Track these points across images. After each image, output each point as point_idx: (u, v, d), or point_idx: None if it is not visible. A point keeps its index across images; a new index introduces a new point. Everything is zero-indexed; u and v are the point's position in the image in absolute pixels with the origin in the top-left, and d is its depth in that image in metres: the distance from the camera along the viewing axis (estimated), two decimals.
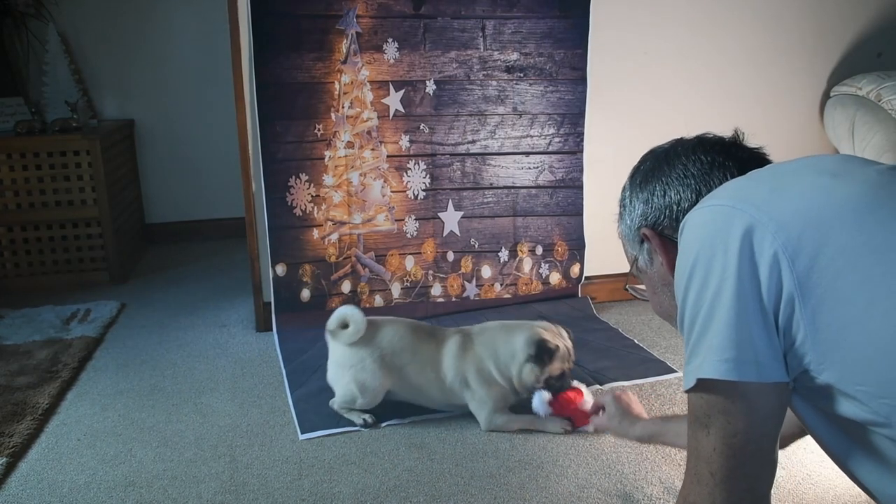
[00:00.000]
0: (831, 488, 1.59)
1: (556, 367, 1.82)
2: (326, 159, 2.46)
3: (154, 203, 3.77)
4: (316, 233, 2.50)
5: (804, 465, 1.67)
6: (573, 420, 1.84)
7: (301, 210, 2.47)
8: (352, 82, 2.43)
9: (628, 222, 1.07)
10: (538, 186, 2.67)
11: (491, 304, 2.67)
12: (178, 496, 1.61)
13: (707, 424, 0.85)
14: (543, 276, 2.72)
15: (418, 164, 2.55)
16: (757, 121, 2.77)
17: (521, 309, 2.66)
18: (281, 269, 2.49)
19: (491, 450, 1.79)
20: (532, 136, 2.62)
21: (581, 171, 2.68)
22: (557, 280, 2.73)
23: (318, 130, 2.44)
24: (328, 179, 2.48)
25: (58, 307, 2.74)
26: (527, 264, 2.70)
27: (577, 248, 2.73)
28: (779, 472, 0.89)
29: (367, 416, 1.90)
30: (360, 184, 2.51)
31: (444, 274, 2.63)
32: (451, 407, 1.93)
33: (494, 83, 2.56)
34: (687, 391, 0.87)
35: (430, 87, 2.50)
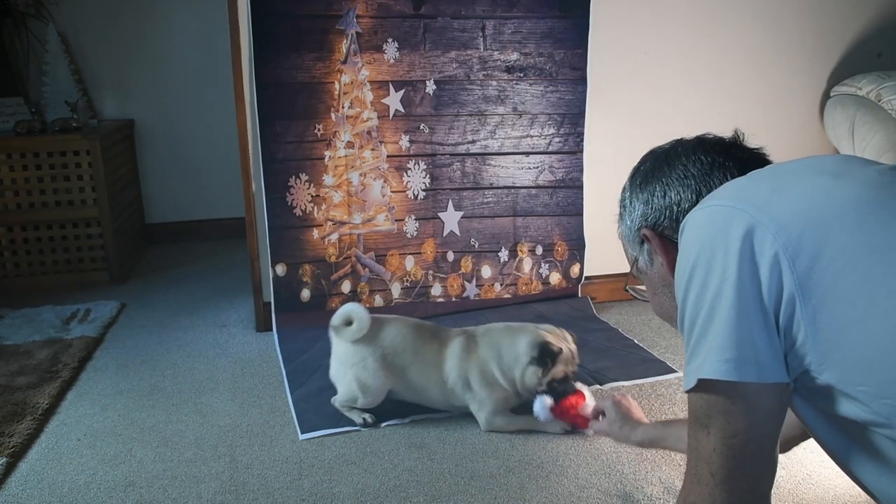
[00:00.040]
0: (831, 488, 1.60)
1: (559, 371, 1.81)
2: (326, 159, 2.46)
3: (154, 203, 3.77)
4: (316, 233, 2.50)
5: (804, 465, 1.67)
6: (575, 424, 1.83)
7: (301, 210, 2.47)
8: (352, 82, 2.43)
9: (628, 223, 1.07)
10: (538, 186, 2.67)
11: (491, 304, 2.67)
12: (178, 496, 1.61)
13: (707, 425, 0.85)
14: (543, 276, 2.72)
15: (418, 164, 2.55)
16: (757, 121, 2.77)
17: (521, 309, 2.66)
18: (281, 269, 2.49)
19: (491, 450, 1.79)
20: (532, 136, 2.62)
21: (581, 171, 2.68)
22: (557, 280, 2.73)
23: (318, 130, 2.44)
24: (328, 179, 2.48)
25: (58, 307, 2.74)
26: (527, 264, 2.70)
27: (577, 248, 2.73)
28: (779, 472, 0.89)
29: (367, 416, 1.90)
30: (360, 184, 2.51)
31: (444, 274, 2.63)
32: (451, 407, 1.93)
33: (494, 83, 2.56)
34: (687, 391, 0.87)
35: (430, 87, 2.50)
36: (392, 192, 2.55)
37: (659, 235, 1.01)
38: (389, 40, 2.44)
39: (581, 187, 2.69)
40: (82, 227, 3.03)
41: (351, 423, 1.90)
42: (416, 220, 2.58)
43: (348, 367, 1.90)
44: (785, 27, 2.79)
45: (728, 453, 0.84)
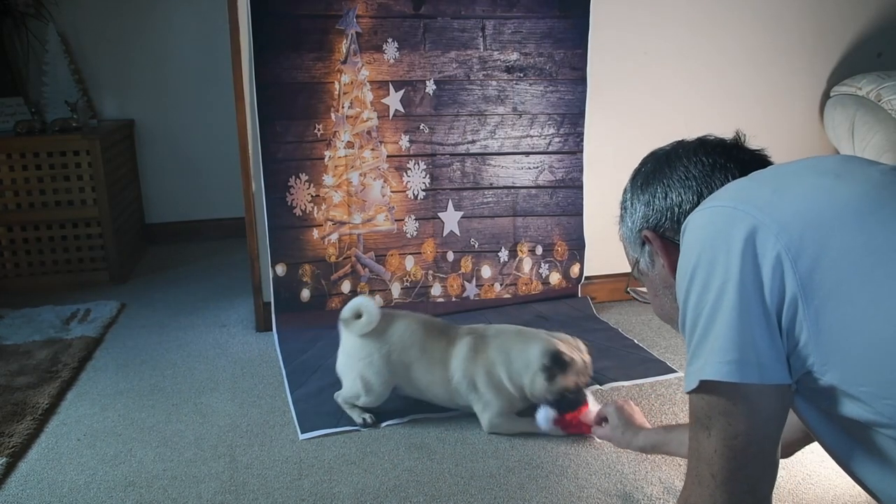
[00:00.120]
0: (831, 488, 1.60)
1: (570, 381, 1.77)
2: (326, 159, 2.46)
3: (154, 203, 3.77)
4: (316, 233, 2.50)
5: (804, 465, 1.66)
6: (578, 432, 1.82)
7: (301, 210, 2.47)
8: (352, 82, 2.43)
9: (629, 224, 1.07)
10: (538, 186, 2.67)
11: (491, 304, 2.67)
12: (178, 496, 1.61)
13: (708, 426, 0.85)
14: (543, 276, 2.72)
15: (418, 164, 2.55)
16: (757, 121, 2.77)
17: (520, 309, 2.66)
18: (281, 269, 2.49)
19: (491, 450, 1.79)
20: (532, 136, 2.62)
21: (581, 171, 2.68)
22: (557, 280, 2.73)
23: (318, 130, 2.44)
24: (328, 179, 2.48)
25: (58, 307, 2.74)
26: (527, 264, 2.70)
27: (576, 248, 2.73)
28: (779, 473, 0.89)
29: (367, 416, 1.90)
30: (360, 184, 2.51)
31: (444, 274, 2.63)
32: (455, 406, 1.92)
33: (494, 83, 2.56)
34: (688, 392, 0.87)
35: (430, 87, 2.50)
36: (392, 192, 2.55)
37: (660, 237, 1.01)
38: (389, 40, 2.44)
39: (581, 187, 2.69)
40: (82, 227, 3.03)
41: (351, 422, 1.90)
42: (415, 220, 2.58)
43: (355, 362, 1.89)
44: (785, 27, 2.79)
45: (729, 455, 0.84)
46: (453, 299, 2.65)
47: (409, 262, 2.60)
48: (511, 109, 2.59)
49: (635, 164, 1.11)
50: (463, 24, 2.48)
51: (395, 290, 2.59)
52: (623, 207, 1.09)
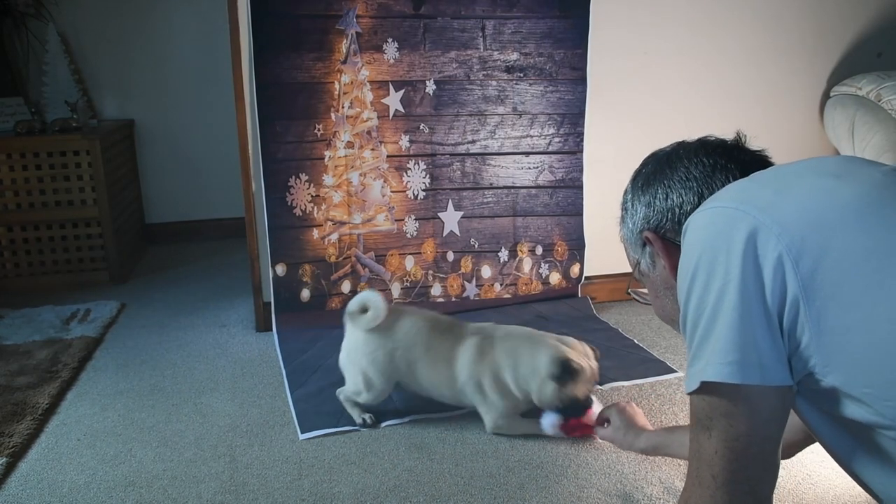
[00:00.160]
0: (831, 488, 1.60)
1: (579, 390, 1.74)
2: (326, 159, 2.46)
3: (154, 203, 3.77)
4: (316, 233, 2.50)
5: (804, 465, 1.67)
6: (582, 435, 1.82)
7: (301, 210, 2.47)
8: (352, 82, 2.43)
9: (630, 226, 1.06)
10: (538, 186, 2.67)
11: (491, 304, 2.67)
12: (178, 496, 1.61)
13: (709, 427, 0.85)
14: (543, 276, 2.72)
15: (418, 164, 2.55)
16: (757, 121, 2.77)
17: (520, 309, 2.66)
18: (281, 269, 2.49)
19: (491, 450, 1.79)
20: (532, 136, 2.62)
21: (581, 171, 2.68)
22: (557, 280, 2.73)
23: (318, 130, 2.44)
24: (328, 179, 2.48)
25: (58, 307, 2.74)
26: (527, 264, 2.70)
27: (576, 248, 2.73)
28: (779, 473, 0.88)
29: (367, 416, 1.90)
30: (360, 184, 2.51)
31: (444, 274, 2.63)
32: (460, 404, 1.91)
33: (494, 83, 2.56)
34: (689, 394, 0.87)
35: (430, 87, 2.50)
36: (392, 192, 2.55)
37: (661, 238, 1.01)
38: (389, 40, 2.44)
39: (581, 187, 2.69)
40: (82, 227, 3.03)
41: (351, 422, 1.90)
42: (415, 220, 2.58)
43: (358, 358, 1.88)
44: (785, 27, 2.79)
45: (730, 456, 0.83)
46: (453, 299, 2.65)
47: (409, 262, 2.60)
48: (511, 109, 2.59)
49: (635, 164, 1.11)
50: (463, 24, 2.48)
51: (395, 290, 2.59)
52: (624, 208, 1.09)
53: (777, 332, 0.80)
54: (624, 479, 1.66)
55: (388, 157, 2.52)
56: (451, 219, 2.61)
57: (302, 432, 1.87)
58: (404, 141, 2.52)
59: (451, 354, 1.85)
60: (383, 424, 1.91)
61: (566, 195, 2.69)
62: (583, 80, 2.61)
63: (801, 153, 2.88)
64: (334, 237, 2.51)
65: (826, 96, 2.91)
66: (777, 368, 0.80)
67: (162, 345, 2.45)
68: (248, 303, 2.73)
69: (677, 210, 0.99)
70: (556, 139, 2.65)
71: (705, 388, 0.83)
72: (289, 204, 2.45)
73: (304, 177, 2.45)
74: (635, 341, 2.43)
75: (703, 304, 0.83)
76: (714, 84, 2.76)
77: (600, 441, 1.79)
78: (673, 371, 2.20)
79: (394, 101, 2.48)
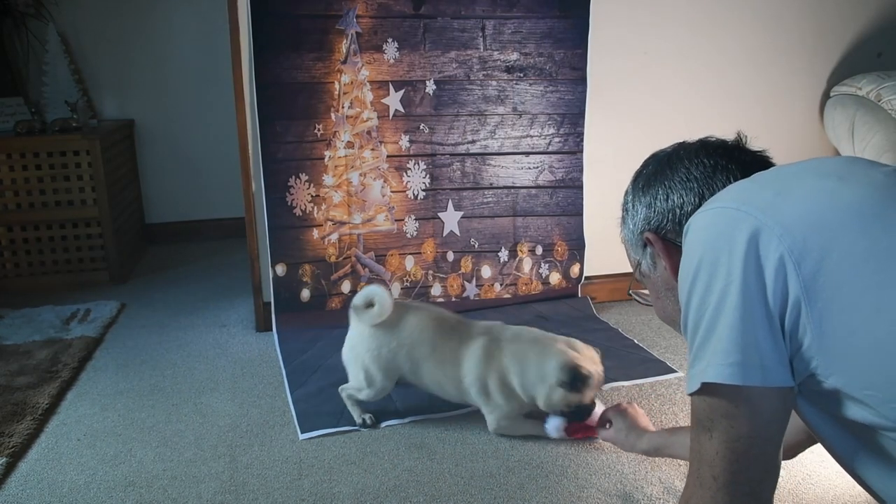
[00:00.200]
0: (831, 488, 1.60)
1: (587, 396, 1.73)
2: (326, 159, 2.46)
3: (154, 203, 3.77)
4: (316, 233, 2.50)
5: (804, 465, 1.66)
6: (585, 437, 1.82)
7: (301, 210, 2.47)
8: (352, 82, 2.43)
9: (631, 227, 1.06)
10: (538, 186, 2.67)
11: (491, 304, 2.67)
12: (178, 496, 1.61)
13: (710, 428, 0.85)
14: (543, 276, 2.72)
15: (418, 164, 2.55)
16: (757, 121, 2.77)
17: (520, 309, 2.66)
18: (281, 269, 2.49)
19: (491, 450, 1.79)
20: (532, 136, 2.62)
21: (581, 171, 2.68)
22: (557, 280, 2.73)
23: (318, 130, 2.44)
24: (328, 179, 2.48)
25: (58, 307, 2.74)
26: (527, 264, 2.70)
27: (576, 248, 2.73)
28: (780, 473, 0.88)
29: (367, 417, 1.90)
30: (360, 184, 2.51)
31: (444, 274, 2.63)
32: (462, 402, 1.90)
33: (494, 83, 2.56)
34: (690, 395, 0.87)
35: (430, 87, 2.50)
36: (392, 192, 2.55)
37: (662, 239, 1.01)
38: (389, 40, 2.43)
39: (581, 187, 2.69)
40: (82, 227, 3.03)
41: (351, 422, 1.90)
42: (415, 220, 2.58)
43: (361, 353, 1.86)
44: (785, 27, 2.79)
45: (731, 457, 0.83)
46: (453, 299, 2.65)
47: (409, 262, 2.60)
48: (511, 109, 2.59)
49: (635, 164, 1.11)
50: (463, 24, 2.48)
51: (395, 290, 2.59)
52: (624, 209, 1.09)
53: (778, 333, 0.80)
54: (624, 479, 1.66)
55: (388, 157, 2.52)
56: (451, 219, 2.61)
57: (302, 432, 1.87)
58: (404, 141, 2.52)
59: (457, 355, 1.83)
60: (383, 424, 1.91)
61: (566, 195, 2.69)
62: (583, 80, 2.61)
63: (800, 153, 2.88)
64: (334, 237, 2.51)
65: (826, 96, 2.91)
66: (778, 370, 0.80)
67: (162, 345, 2.45)
68: (248, 303, 2.73)
69: (678, 211, 0.99)
70: (556, 139, 2.64)
71: (706, 390, 0.83)
72: (289, 204, 2.45)
73: (304, 177, 2.45)
74: (635, 341, 2.43)
75: (705, 305, 0.83)
76: (714, 84, 2.76)
77: (601, 441, 1.79)
78: (673, 371, 2.20)
79: (394, 101, 2.48)
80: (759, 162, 1.00)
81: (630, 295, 1.20)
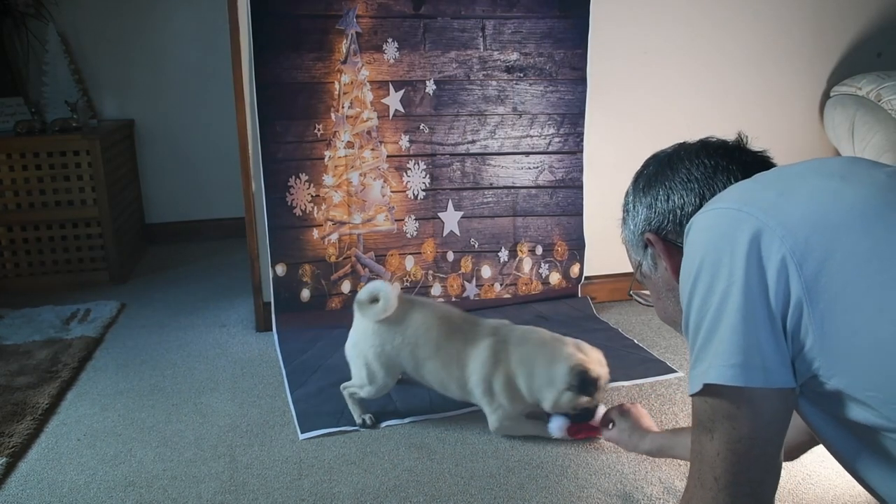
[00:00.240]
0: (831, 488, 1.60)
1: (597, 398, 1.73)
2: (326, 159, 2.46)
3: (154, 203, 3.77)
4: (316, 233, 2.50)
5: (804, 465, 1.66)
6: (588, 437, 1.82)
7: (301, 210, 2.47)
8: (352, 82, 2.43)
9: (632, 227, 1.06)
10: (538, 186, 2.66)
11: (491, 304, 2.67)
12: (178, 496, 1.61)
13: (711, 429, 0.85)
14: (543, 276, 2.72)
15: (418, 164, 2.55)
16: (757, 121, 2.77)
17: (520, 309, 2.66)
18: (281, 269, 2.49)
19: (491, 450, 1.79)
20: (532, 136, 2.62)
21: (581, 171, 2.68)
22: (557, 280, 2.73)
23: (318, 130, 2.44)
24: (328, 179, 2.48)
25: (58, 307, 2.74)
26: (527, 264, 2.70)
27: (576, 248, 2.73)
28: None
29: (367, 417, 1.90)
30: (360, 184, 2.51)
31: (444, 274, 2.63)
32: (465, 401, 1.89)
33: (494, 83, 2.56)
34: (692, 395, 0.86)
35: (430, 87, 2.50)
36: (392, 192, 2.55)
37: (662, 239, 1.01)
38: (389, 40, 2.43)
39: (581, 187, 2.69)
40: (82, 227, 3.03)
41: (351, 422, 1.90)
42: (415, 220, 2.58)
43: (364, 348, 1.84)
44: (785, 27, 2.79)
45: (732, 458, 0.83)
46: (453, 299, 2.65)
47: (409, 262, 2.60)
48: (511, 109, 2.59)
49: (635, 164, 1.11)
50: (463, 24, 2.48)
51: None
52: (625, 210, 1.09)
53: (780, 334, 0.80)
54: (624, 479, 1.66)
55: (388, 157, 2.52)
56: (451, 219, 2.61)
57: (302, 432, 1.87)
58: (404, 141, 2.52)
59: (462, 356, 1.81)
60: (383, 424, 1.91)
61: (566, 195, 2.69)
62: (583, 80, 2.61)
63: (801, 153, 2.88)
64: (334, 237, 2.51)
65: (826, 96, 2.91)
66: (780, 371, 0.80)
67: (162, 345, 2.45)
68: (248, 303, 2.73)
69: (679, 211, 0.99)
70: (556, 139, 2.64)
71: (708, 391, 0.83)
72: (289, 204, 2.45)
73: (304, 177, 2.45)
74: (635, 341, 2.43)
75: (707, 306, 0.83)
76: (714, 84, 2.76)
77: (601, 441, 1.78)
78: (673, 371, 2.20)
79: (394, 101, 2.48)
80: (759, 162, 1.00)
81: (631, 296, 1.19)
